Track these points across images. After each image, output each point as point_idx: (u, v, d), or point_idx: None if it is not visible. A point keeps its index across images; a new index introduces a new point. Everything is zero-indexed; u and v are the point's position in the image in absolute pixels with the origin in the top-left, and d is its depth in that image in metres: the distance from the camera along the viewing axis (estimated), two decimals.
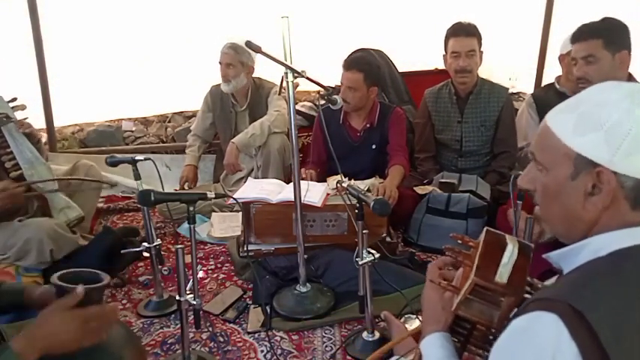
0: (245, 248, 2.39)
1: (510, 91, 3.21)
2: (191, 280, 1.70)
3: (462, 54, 2.80)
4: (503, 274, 1.00)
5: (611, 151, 0.82)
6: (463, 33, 2.80)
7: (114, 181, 3.05)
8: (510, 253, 1.02)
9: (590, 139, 0.84)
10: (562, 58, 2.77)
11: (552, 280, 1.04)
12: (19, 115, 2.39)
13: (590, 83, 2.10)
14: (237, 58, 3.00)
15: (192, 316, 1.76)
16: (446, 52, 2.90)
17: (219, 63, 3.05)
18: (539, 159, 0.93)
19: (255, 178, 2.97)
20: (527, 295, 1.00)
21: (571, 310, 0.75)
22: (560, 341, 0.75)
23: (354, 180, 2.40)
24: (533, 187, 0.96)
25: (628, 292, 0.79)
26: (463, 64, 2.81)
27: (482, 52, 2.86)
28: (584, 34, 2.18)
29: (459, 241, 1.18)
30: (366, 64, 2.76)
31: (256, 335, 1.99)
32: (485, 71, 3.04)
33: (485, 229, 1.12)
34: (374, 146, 2.87)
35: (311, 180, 2.67)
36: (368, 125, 2.86)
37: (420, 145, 3.09)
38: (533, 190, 0.97)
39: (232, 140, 2.95)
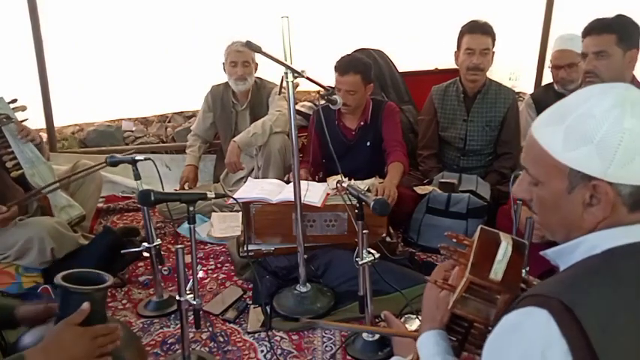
0: (245, 248, 2.39)
1: None
2: (191, 280, 1.70)
3: (477, 51, 2.78)
4: (497, 271, 1.00)
5: (604, 164, 0.82)
6: (479, 31, 2.77)
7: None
8: (504, 250, 1.02)
9: (581, 154, 0.83)
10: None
11: None
12: (19, 115, 2.40)
13: (598, 78, 2.09)
14: (251, 55, 2.99)
15: (192, 316, 1.77)
16: (458, 48, 2.86)
17: (232, 63, 3.01)
18: (532, 173, 0.92)
19: (256, 178, 2.97)
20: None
21: (562, 307, 0.76)
22: (550, 337, 0.75)
23: (352, 179, 2.40)
24: (529, 196, 0.95)
25: (620, 290, 0.79)
26: (477, 62, 2.79)
27: (494, 53, 2.84)
28: (597, 28, 2.13)
29: (455, 240, 1.19)
30: (361, 65, 2.74)
31: (256, 335, 1.99)
32: None
33: (479, 227, 1.12)
34: (368, 143, 2.85)
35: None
36: (362, 123, 2.85)
37: (424, 141, 3.08)
38: (529, 200, 0.96)
39: (234, 139, 2.94)
